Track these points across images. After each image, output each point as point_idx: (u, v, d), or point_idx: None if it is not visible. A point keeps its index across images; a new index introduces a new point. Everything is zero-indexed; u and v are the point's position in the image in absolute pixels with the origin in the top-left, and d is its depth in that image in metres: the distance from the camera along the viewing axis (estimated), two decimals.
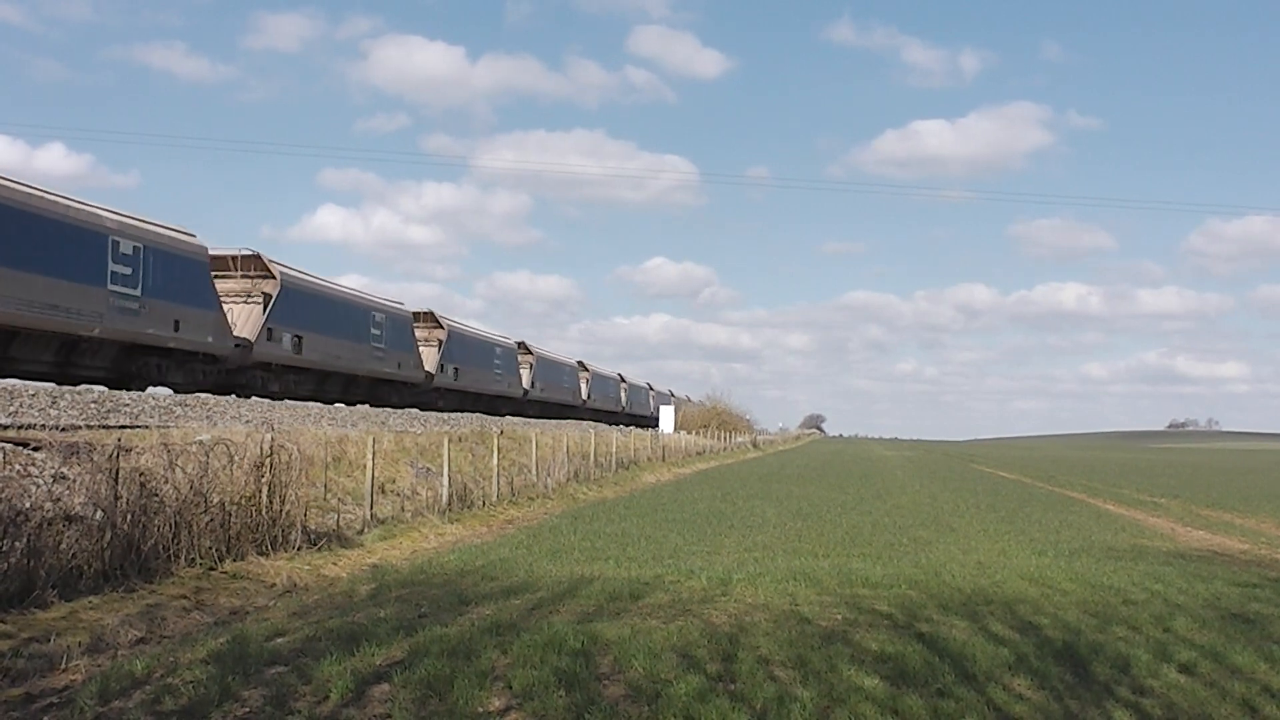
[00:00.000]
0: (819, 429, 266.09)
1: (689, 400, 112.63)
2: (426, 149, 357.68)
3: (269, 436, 14.59)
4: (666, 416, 73.06)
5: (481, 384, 55.55)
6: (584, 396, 76.32)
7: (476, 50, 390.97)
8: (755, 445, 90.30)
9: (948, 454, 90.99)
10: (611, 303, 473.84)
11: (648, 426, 72.76)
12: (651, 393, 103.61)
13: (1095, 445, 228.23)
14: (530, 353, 65.98)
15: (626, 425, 69.96)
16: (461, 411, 45.35)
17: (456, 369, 51.05)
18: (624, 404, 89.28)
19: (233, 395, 30.73)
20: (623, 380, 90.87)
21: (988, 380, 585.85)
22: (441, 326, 51.25)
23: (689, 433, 69.21)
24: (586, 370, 78.79)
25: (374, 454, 18.14)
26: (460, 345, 52.63)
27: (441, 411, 42.55)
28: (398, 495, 20.15)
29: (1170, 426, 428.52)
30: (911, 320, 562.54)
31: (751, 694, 6.79)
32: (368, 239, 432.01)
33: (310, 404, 32.05)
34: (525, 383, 63.50)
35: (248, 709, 6.57)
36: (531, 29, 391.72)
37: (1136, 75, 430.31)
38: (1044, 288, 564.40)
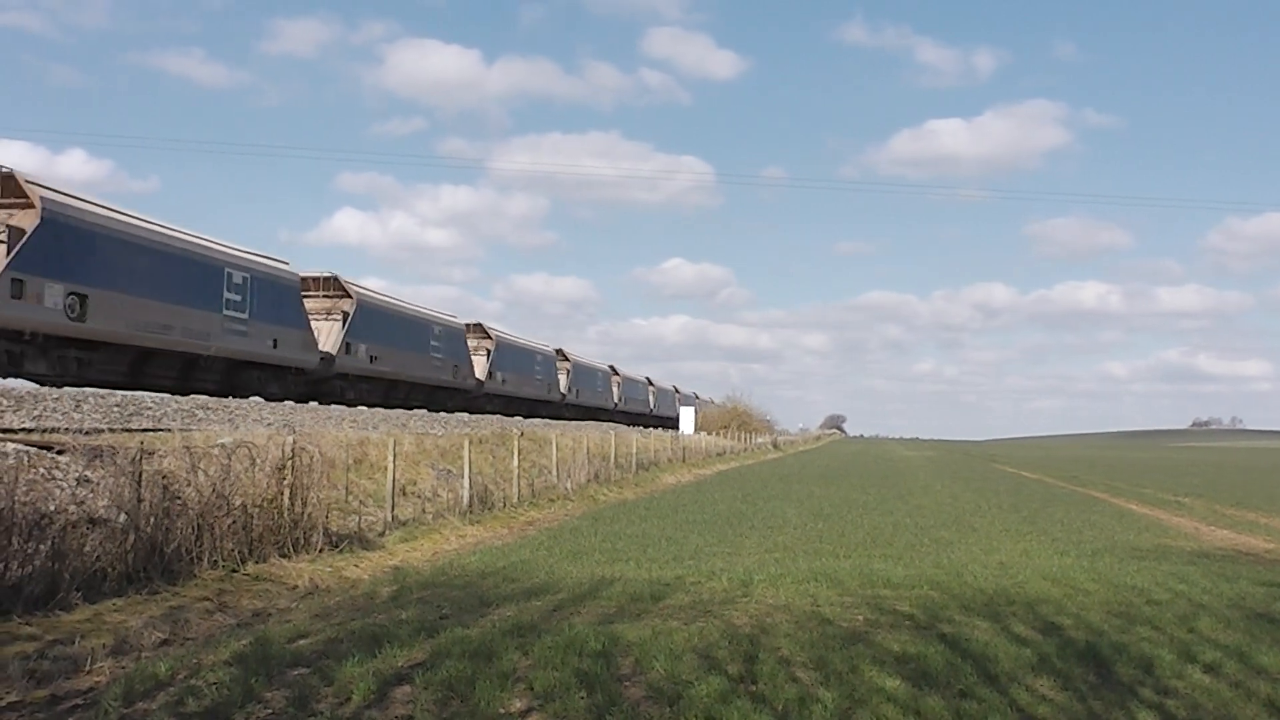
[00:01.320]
0: (840, 429, 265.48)
1: (709, 401, 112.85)
2: (443, 152, 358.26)
3: (290, 439, 14.65)
4: (687, 417, 73.10)
5: (592, 400, 72.99)
6: (651, 406, 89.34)
7: (491, 53, 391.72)
8: (776, 446, 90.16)
9: (968, 454, 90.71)
10: (629, 304, 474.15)
11: (668, 427, 73.04)
12: (673, 394, 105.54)
13: (1116, 444, 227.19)
14: (617, 373, 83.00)
15: (675, 430, 71.96)
16: (576, 420, 57.58)
17: (578, 390, 69.73)
18: (676, 410, 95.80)
19: (466, 413, 42.16)
20: (677, 390, 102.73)
21: (1007, 380, 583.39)
22: (568, 359, 68.81)
23: (709, 433, 69.17)
24: (654, 385, 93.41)
25: (395, 456, 18.18)
26: (580, 372, 70.67)
27: (569, 420, 55.61)
28: (419, 497, 20.21)
29: (1193, 425, 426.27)
30: (929, 320, 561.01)
31: (773, 695, 6.79)
32: (385, 242, 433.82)
33: (332, 407, 32.58)
34: (616, 397, 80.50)
35: (270, 710, 6.59)
36: (546, 32, 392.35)
37: (1153, 73, 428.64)
38: (1063, 286, 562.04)
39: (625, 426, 61.27)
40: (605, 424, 59.19)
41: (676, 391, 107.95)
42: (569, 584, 11.42)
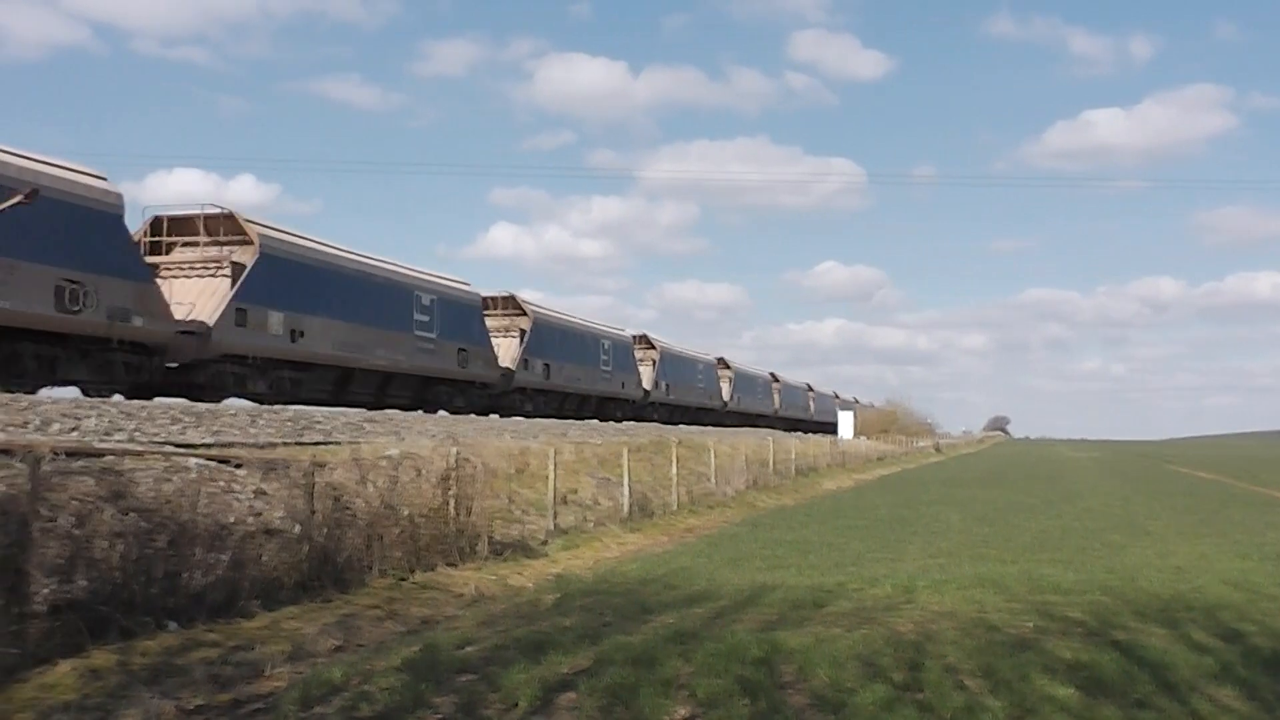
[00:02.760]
0: (1003, 431, 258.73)
1: (866, 405, 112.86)
2: (592, 164, 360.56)
3: (454, 450, 14.96)
4: (845, 422, 72.75)
5: (794, 413, 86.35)
6: (836, 415, 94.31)
7: (637, 64, 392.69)
8: (937, 449, 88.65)
9: (1138, 454, 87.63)
10: (782, 309, 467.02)
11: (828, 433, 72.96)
12: (850, 401, 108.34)
13: None
14: (812, 390, 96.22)
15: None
16: (785, 430, 64.20)
17: (786, 405, 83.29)
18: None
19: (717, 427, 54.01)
20: (836, 397, 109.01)
21: (1178, 376, 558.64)
22: (779, 381, 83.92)
23: (868, 438, 68.39)
24: (839, 398, 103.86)
25: (555, 465, 18.42)
26: (787, 391, 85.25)
27: (729, 426, 59.85)
28: (579, 505, 20.42)
29: None
30: (1093, 316, 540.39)
31: (939, 703, 6.67)
32: (538, 254, 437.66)
33: (491, 417, 33.46)
34: (812, 409, 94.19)
35: (440, 715, 6.74)
36: (690, 41, 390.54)
37: None
38: (1234, 278, 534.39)
39: (816, 434, 67.08)
40: (796, 433, 65.21)
41: (851, 399, 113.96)
42: (729, 591, 11.41)
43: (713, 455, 28.16)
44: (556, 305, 47.76)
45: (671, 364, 59.21)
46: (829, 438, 59.41)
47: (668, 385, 57.12)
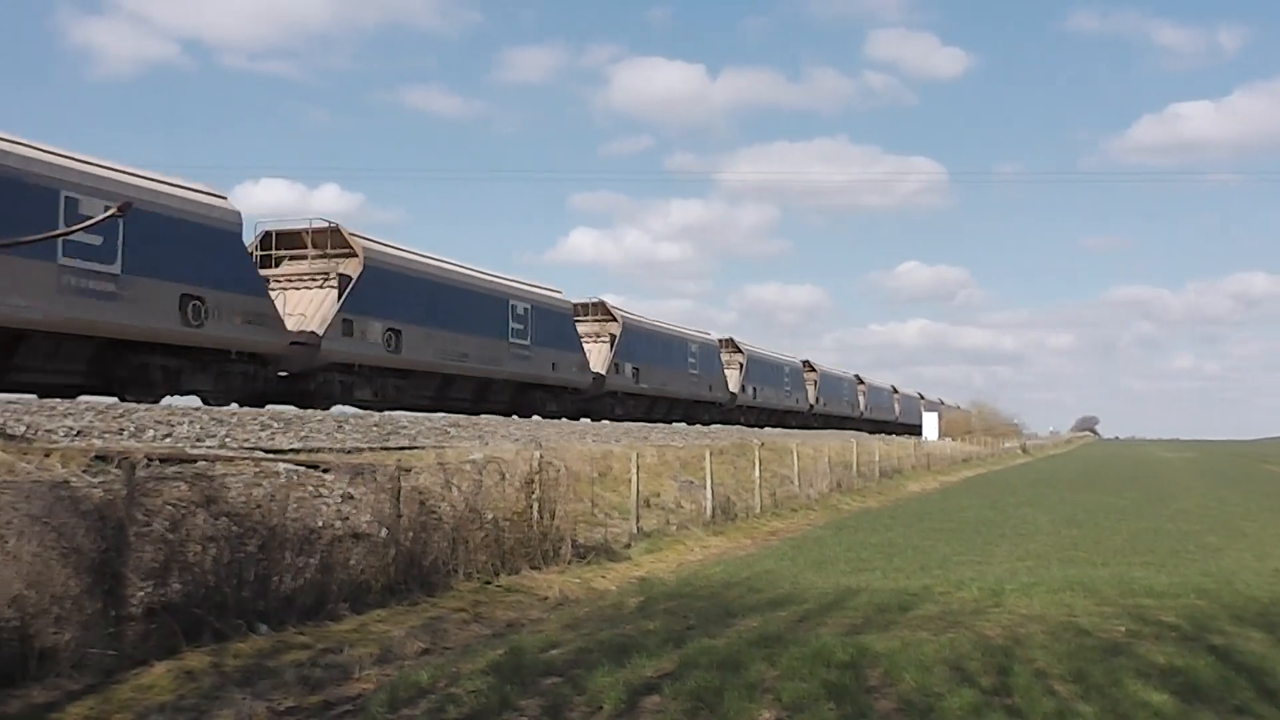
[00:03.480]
0: (1092, 431, 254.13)
1: (950, 405, 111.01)
2: (671, 167, 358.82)
3: (537, 454, 15.04)
4: (930, 423, 71.96)
5: (780, 402, 77.95)
6: (860, 409, 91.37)
7: (715, 67, 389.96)
8: (1024, 450, 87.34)
9: (1233, 454, 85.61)
10: (864, 310, 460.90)
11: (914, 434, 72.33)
12: (887, 393, 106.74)
13: None
14: (814, 370, 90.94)
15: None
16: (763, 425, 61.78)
17: (757, 389, 72.02)
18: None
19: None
20: (895, 391, 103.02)
21: (1275, 374, 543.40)
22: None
23: (953, 439, 67.65)
24: (863, 383, 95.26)
25: (638, 468, 18.44)
26: (759, 367, 72.74)
27: (740, 425, 56.81)
28: (662, 509, 20.42)
29: None
30: (1184, 314, 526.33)
31: (1029, 709, 6.57)
32: (619, 259, 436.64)
33: (577, 422, 33.52)
34: (865, 406, 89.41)
35: (525, 718, 6.78)
36: (767, 42, 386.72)
37: None
38: None
39: (853, 432, 65.82)
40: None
41: (915, 394, 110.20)
42: (814, 594, 11.35)
43: (795, 458, 28.01)
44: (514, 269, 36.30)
45: (643, 343, 45.19)
46: (913, 439, 58.74)
47: (635, 370, 44.00)
